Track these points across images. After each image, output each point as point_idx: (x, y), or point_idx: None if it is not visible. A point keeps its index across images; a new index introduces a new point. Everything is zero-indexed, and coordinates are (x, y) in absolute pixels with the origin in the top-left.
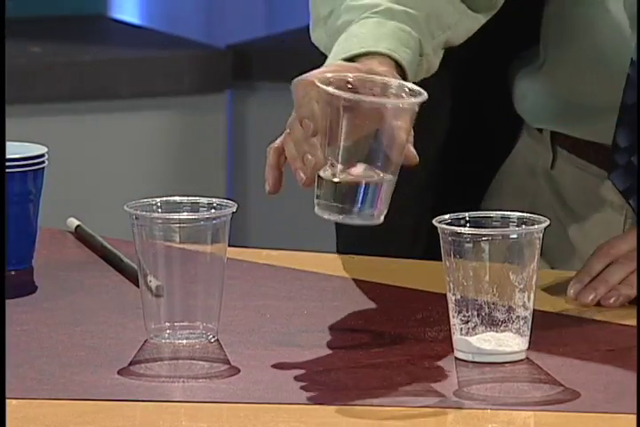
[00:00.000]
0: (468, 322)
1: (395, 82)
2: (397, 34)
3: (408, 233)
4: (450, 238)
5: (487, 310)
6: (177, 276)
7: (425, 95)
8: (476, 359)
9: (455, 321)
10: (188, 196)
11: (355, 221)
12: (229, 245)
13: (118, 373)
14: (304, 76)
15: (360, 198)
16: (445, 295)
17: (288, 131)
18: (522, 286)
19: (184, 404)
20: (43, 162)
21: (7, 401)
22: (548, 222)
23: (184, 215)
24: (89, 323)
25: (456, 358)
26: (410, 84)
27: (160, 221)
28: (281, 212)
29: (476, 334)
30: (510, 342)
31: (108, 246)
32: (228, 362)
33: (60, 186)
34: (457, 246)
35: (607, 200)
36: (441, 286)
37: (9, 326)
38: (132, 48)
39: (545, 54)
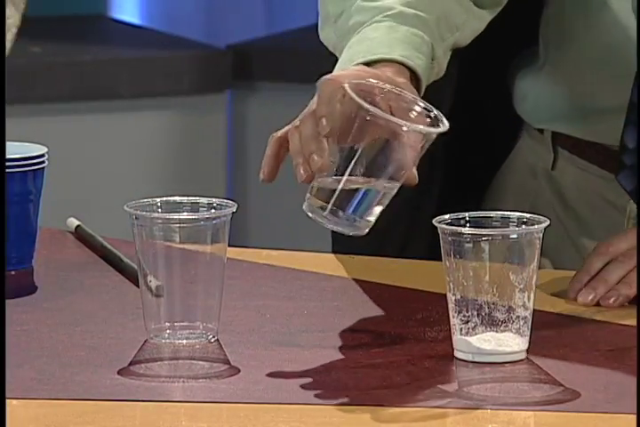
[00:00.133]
0: (468, 322)
1: (422, 104)
2: (410, 39)
3: (407, 233)
4: (450, 238)
5: (487, 310)
6: (177, 276)
7: (446, 127)
8: (476, 359)
9: (455, 321)
10: (188, 196)
11: (338, 226)
12: (229, 245)
13: (118, 373)
14: (333, 75)
15: (354, 204)
16: (445, 295)
17: (297, 123)
18: (522, 286)
19: (184, 404)
20: (43, 162)
21: (7, 401)
22: (547, 222)
23: (184, 215)
24: (89, 323)
25: (456, 358)
26: (436, 111)
27: (160, 221)
28: (281, 212)
29: (475, 334)
30: (510, 342)
31: (108, 246)
32: (228, 362)
33: (60, 186)
34: (457, 246)
35: (609, 201)
36: (441, 285)
37: (9, 326)
38: (132, 48)
39: (545, 54)
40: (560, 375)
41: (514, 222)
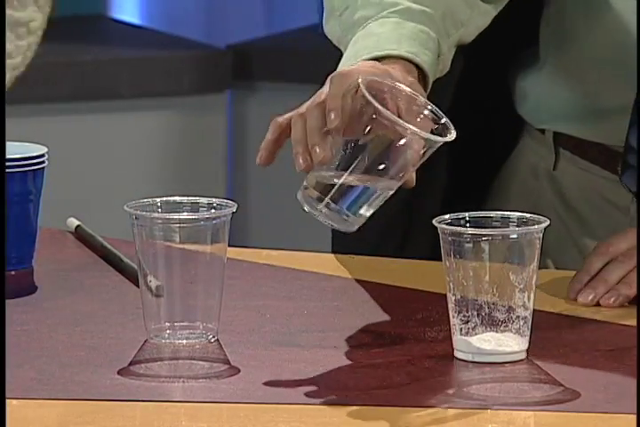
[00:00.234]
0: (468, 322)
1: (433, 109)
2: (417, 35)
3: (407, 233)
4: (450, 238)
5: (487, 310)
6: (177, 276)
7: (452, 137)
8: (476, 359)
9: (455, 321)
10: (188, 196)
11: (331, 220)
12: (229, 245)
13: (118, 373)
14: (347, 70)
15: (350, 200)
16: (445, 295)
17: (303, 110)
18: (522, 286)
19: (184, 404)
20: (43, 162)
21: (7, 401)
22: (547, 222)
23: (184, 215)
24: (89, 323)
25: (456, 358)
26: (446, 119)
27: (160, 221)
28: (281, 212)
29: (476, 334)
30: (510, 342)
31: (108, 246)
32: (228, 362)
33: (60, 186)
34: (457, 246)
35: (611, 201)
36: (441, 285)
37: (9, 326)
38: (132, 48)
39: (546, 54)
40: (560, 375)
41: (514, 222)
